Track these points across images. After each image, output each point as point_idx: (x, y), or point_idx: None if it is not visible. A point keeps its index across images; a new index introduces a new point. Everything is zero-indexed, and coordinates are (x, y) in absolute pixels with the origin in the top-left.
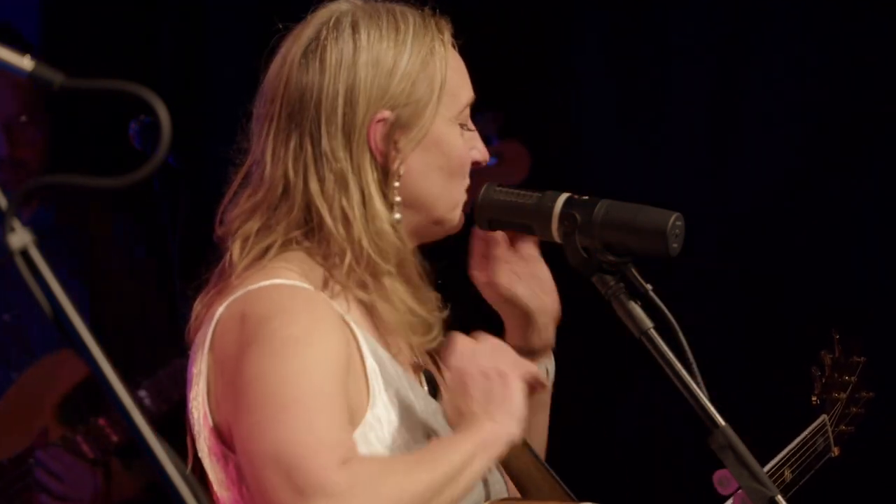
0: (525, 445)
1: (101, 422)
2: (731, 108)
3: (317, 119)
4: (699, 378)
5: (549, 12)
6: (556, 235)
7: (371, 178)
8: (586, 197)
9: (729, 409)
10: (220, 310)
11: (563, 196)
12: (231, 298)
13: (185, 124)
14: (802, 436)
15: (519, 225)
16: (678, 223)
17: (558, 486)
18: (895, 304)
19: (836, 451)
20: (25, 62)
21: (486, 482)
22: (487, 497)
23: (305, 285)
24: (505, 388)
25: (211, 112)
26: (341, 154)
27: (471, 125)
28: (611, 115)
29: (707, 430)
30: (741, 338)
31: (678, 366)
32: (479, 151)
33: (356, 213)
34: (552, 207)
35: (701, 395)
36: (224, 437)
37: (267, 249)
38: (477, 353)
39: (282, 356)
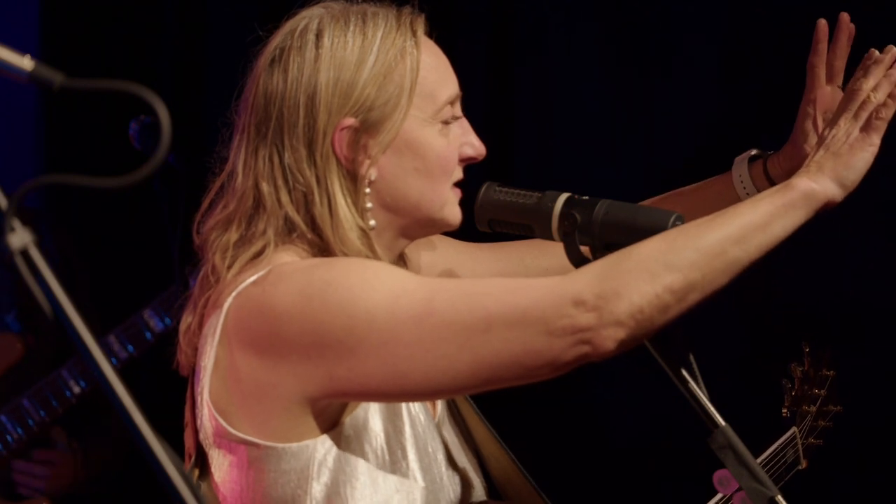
0: (504, 450)
1: (26, 403)
2: (731, 107)
3: (280, 131)
4: (699, 378)
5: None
6: (556, 235)
7: (338, 185)
8: (586, 197)
9: (727, 404)
10: (229, 301)
11: (564, 196)
12: (238, 290)
13: (186, 124)
14: (773, 448)
15: (519, 225)
16: (678, 223)
17: (537, 494)
18: (865, 318)
19: (804, 463)
20: (25, 62)
21: (468, 485)
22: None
23: None
24: (855, 144)
25: (211, 112)
26: (304, 165)
27: (461, 121)
28: (611, 115)
29: (707, 430)
30: (738, 331)
31: (678, 366)
32: (471, 146)
33: (326, 222)
34: (552, 207)
35: (701, 395)
36: (234, 423)
37: (257, 255)
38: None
39: (366, 302)
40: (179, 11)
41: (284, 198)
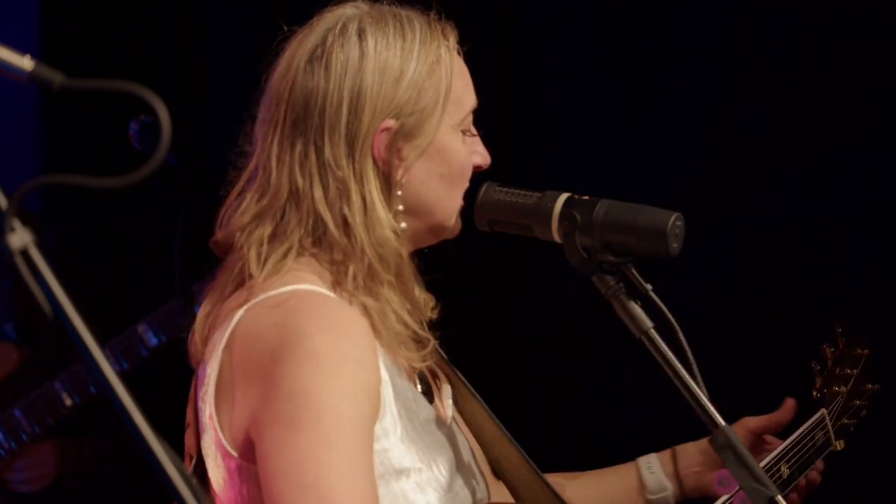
0: (518, 450)
1: (17, 414)
2: (732, 109)
3: (320, 126)
4: (699, 378)
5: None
6: (556, 235)
7: (374, 185)
8: (586, 197)
9: (727, 404)
10: (240, 313)
11: (564, 196)
12: (251, 303)
13: (186, 124)
14: (800, 430)
15: (519, 225)
16: (678, 223)
17: (551, 492)
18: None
19: (840, 444)
20: (25, 62)
21: (474, 486)
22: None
23: (328, 292)
24: None
25: (211, 112)
26: (344, 162)
27: (473, 130)
28: (611, 115)
29: (707, 430)
30: (738, 332)
31: (678, 366)
32: (480, 156)
33: (357, 221)
34: (552, 207)
35: (701, 395)
36: (228, 439)
37: (285, 255)
38: None
39: (328, 380)
40: (179, 11)
41: (318, 193)
